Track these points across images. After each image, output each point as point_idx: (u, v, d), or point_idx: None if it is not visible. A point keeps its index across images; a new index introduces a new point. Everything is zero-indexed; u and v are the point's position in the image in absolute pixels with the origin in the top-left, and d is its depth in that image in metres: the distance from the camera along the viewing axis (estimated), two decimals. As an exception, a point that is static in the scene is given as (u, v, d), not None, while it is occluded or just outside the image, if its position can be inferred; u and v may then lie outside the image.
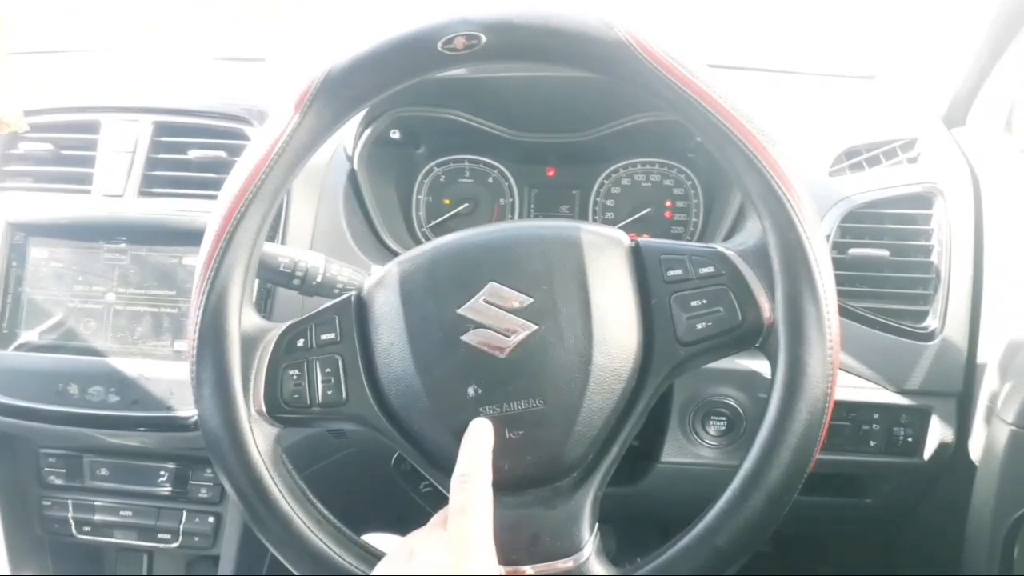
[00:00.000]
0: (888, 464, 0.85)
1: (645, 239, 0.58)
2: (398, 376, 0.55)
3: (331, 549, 0.55)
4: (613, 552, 0.57)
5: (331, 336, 0.57)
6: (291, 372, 0.56)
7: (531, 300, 0.54)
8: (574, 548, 0.53)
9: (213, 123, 0.92)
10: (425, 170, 1.05)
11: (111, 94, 0.96)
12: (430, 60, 0.53)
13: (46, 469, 1.00)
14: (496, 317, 0.54)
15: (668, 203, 1.02)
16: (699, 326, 0.54)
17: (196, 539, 0.99)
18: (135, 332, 0.90)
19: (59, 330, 0.91)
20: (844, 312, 0.81)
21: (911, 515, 0.96)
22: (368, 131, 0.95)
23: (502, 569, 0.49)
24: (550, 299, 0.54)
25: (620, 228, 0.60)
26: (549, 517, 0.54)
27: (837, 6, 1.46)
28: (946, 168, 0.87)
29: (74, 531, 1.00)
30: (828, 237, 0.83)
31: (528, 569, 0.52)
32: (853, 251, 0.83)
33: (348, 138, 0.94)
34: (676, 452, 0.85)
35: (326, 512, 0.57)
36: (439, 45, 0.52)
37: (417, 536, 0.50)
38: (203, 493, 0.98)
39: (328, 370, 0.56)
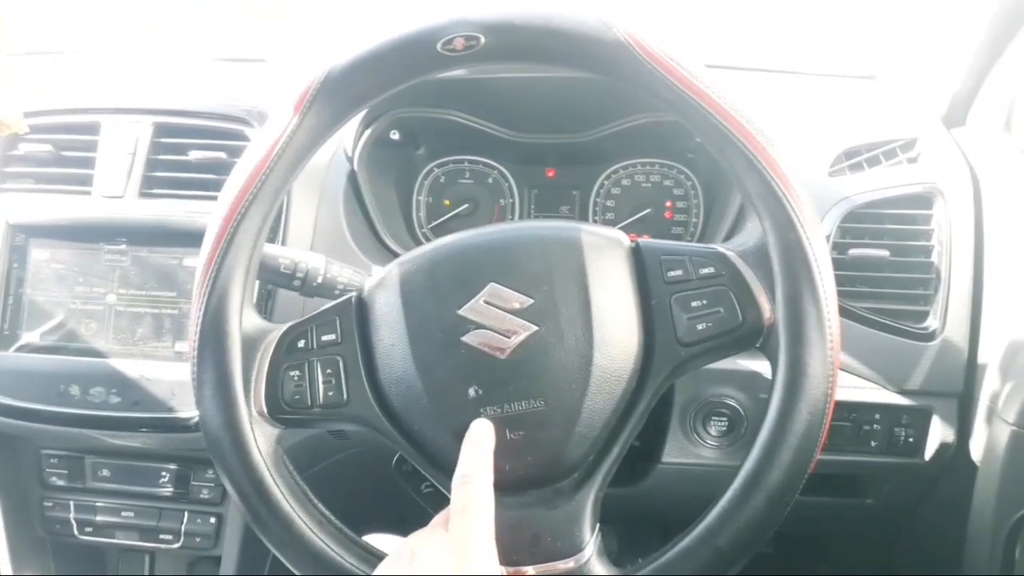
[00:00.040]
0: (889, 464, 0.85)
1: (645, 240, 0.59)
2: (399, 377, 0.55)
3: (332, 550, 0.55)
4: (614, 552, 0.57)
5: (332, 337, 0.57)
6: (292, 373, 0.56)
7: (531, 301, 0.54)
8: (575, 548, 0.53)
9: (213, 124, 0.92)
10: (425, 171, 1.05)
11: (111, 95, 0.96)
12: (430, 61, 0.53)
13: (48, 470, 1.00)
14: (496, 318, 0.54)
15: (668, 204, 1.02)
16: (699, 327, 0.54)
17: (198, 540, 0.99)
18: (136, 333, 0.90)
19: (60, 331, 0.91)
20: (844, 312, 0.81)
21: (912, 515, 0.96)
22: (368, 132, 0.95)
23: (503, 570, 0.49)
24: (550, 300, 0.54)
25: (620, 229, 0.60)
26: (550, 518, 0.54)
27: (837, 6, 1.45)
28: (946, 168, 0.87)
29: (76, 532, 1.00)
30: (828, 237, 0.83)
31: (529, 570, 0.52)
32: (853, 251, 0.83)
33: (348, 139, 0.94)
34: (677, 453, 0.85)
35: (327, 513, 0.57)
36: (439, 46, 0.52)
37: (418, 537, 0.50)
38: (204, 494, 0.98)
39: (329, 371, 0.56)
